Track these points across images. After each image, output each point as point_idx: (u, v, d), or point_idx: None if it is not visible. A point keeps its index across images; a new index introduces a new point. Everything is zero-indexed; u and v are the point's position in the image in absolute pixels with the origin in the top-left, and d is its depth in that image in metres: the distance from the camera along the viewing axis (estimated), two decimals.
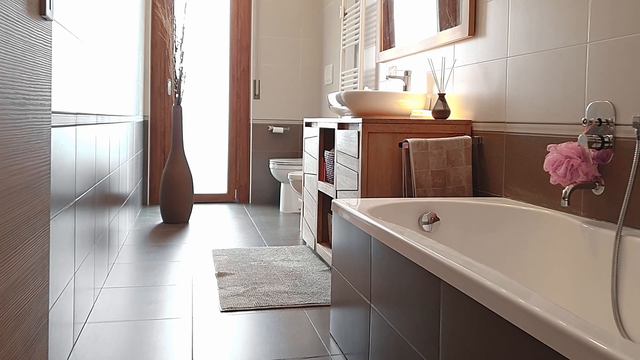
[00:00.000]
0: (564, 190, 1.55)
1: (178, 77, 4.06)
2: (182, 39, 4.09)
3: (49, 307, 1.43)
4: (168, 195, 3.95)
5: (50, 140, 1.11)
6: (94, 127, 2.18)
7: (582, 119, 1.62)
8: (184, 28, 4.10)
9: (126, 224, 3.43)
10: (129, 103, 3.57)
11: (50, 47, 1.10)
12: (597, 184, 1.59)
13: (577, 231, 1.61)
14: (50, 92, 1.11)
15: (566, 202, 1.54)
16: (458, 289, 1.05)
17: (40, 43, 1.03)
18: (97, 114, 2.25)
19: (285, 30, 4.97)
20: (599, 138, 1.56)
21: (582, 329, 0.77)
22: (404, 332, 1.31)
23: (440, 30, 2.62)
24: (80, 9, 1.91)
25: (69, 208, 1.70)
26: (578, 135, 1.61)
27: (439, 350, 1.14)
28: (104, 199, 2.48)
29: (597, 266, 1.51)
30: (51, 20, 1.07)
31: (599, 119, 1.58)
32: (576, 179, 1.57)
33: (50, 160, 1.11)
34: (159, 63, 4.73)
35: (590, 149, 1.57)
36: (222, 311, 2.18)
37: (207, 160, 5.01)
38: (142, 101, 4.55)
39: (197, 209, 4.64)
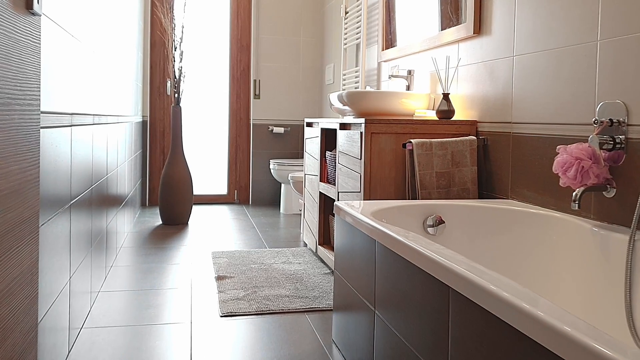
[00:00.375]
0: (574, 193, 1.50)
1: (177, 77, 4.02)
2: (181, 38, 4.04)
3: (40, 317, 1.39)
4: (167, 197, 3.90)
5: (39, 142, 1.05)
6: (90, 128, 2.13)
7: (593, 119, 1.57)
8: (183, 27, 4.05)
9: (125, 226, 3.38)
10: (128, 103, 3.52)
11: (39, 43, 1.05)
12: (608, 186, 1.54)
13: (588, 235, 1.56)
14: (39, 91, 1.06)
15: (576, 205, 1.49)
16: (468, 297, 1.00)
17: (28, 39, 0.97)
18: (94, 114, 2.20)
19: (286, 30, 4.92)
20: (611, 139, 1.51)
21: (603, 343, 0.72)
22: (411, 341, 1.26)
23: (442, 29, 2.57)
24: (76, 6, 1.86)
25: (64, 211, 1.66)
26: (588, 136, 1.56)
27: None
28: (102, 200, 2.43)
29: (609, 272, 1.46)
30: (39, 15, 1.02)
31: (610, 119, 1.53)
32: (587, 181, 1.52)
33: (39, 163, 1.06)
34: (158, 62, 4.68)
35: (601, 150, 1.52)
36: (221, 316, 2.13)
37: (207, 160, 4.96)
38: (141, 101, 4.51)
39: (196, 210, 4.59)
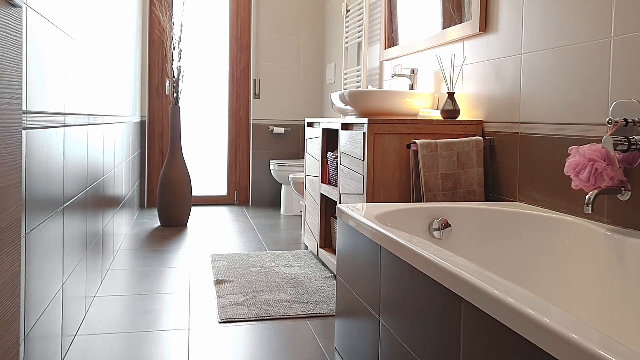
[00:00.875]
0: (587, 196, 1.43)
1: (176, 76, 3.95)
2: (180, 37, 3.98)
3: (31, 325, 1.32)
4: (166, 198, 3.84)
5: (20, 144, 0.99)
6: (85, 128, 2.07)
7: (607, 119, 1.50)
8: (182, 26, 3.99)
9: (122, 228, 3.32)
10: (126, 103, 3.46)
11: (20, 37, 0.98)
12: (622, 188, 1.48)
13: (601, 239, 1.49)
14: (21, 89, 0.99)
15: (590, 208, 1.42)
16: (483, 310, 0.94)
17: (7, 33, 0.90)
18: (89, 114, 2.14)
19: (286, 28, 4.86)
20: (625, 139, 1.44)
21: (619, 356, 0.66)
22: (419, 353, 1.20)
23: (444, 27, 2.50)
24: (70, 4, 1.79)
25: (56, 214, 1.59)
26: (601, 137, 1.50)
27: None
28: (98, 202, 2.37)
29: (624, 278, 1.40)
30: (20, 7, 0.95)
31: (624, 119, 1.47)
32: (600, 183, 1.46)
33: (21, 167, 0.99)
34: (156, 62, 4.61)
35: (616, 152, 1.46)
36: (220, 322, 2.07)
37: (206, 161, 4.90)
38: (140, 101, 4.44)
39: (195, 211, 4.52)
